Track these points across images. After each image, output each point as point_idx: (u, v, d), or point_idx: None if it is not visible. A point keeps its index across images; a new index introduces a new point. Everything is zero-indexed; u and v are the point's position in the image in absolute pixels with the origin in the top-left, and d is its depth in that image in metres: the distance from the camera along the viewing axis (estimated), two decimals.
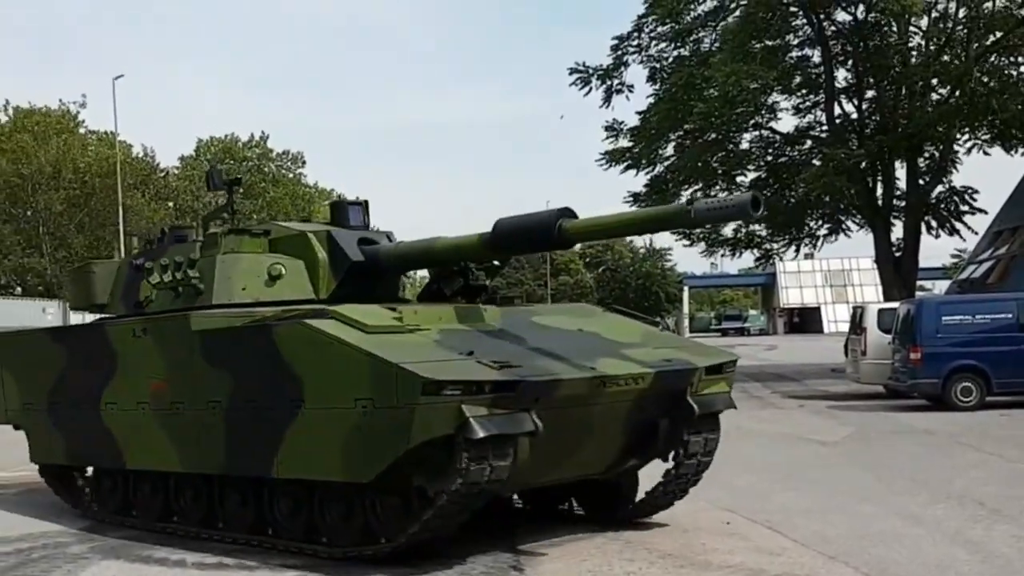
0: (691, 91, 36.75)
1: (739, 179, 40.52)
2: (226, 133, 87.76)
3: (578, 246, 73.09)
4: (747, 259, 47.56)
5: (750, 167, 40.40)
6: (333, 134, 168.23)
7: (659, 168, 40.01)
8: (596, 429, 9.93)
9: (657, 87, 39.97)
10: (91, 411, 12.02)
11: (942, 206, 38.45)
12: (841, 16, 37.20)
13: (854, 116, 38.52)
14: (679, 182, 39.85)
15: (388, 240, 11.86)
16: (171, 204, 75.50)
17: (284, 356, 9.64)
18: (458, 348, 9.32)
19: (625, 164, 39.61)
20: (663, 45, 40.34)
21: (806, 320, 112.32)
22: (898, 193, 38.11)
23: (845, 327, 35.04)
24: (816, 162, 37.53)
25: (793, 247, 42.30)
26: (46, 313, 44.31)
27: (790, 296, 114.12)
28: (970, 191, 38.26)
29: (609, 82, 40.29)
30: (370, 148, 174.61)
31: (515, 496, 11.98)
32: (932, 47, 36.48)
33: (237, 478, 10.65)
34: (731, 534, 10.64)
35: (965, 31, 35.99)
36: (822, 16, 36.90)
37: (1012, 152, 37.24)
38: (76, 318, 45.12)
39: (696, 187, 40.20)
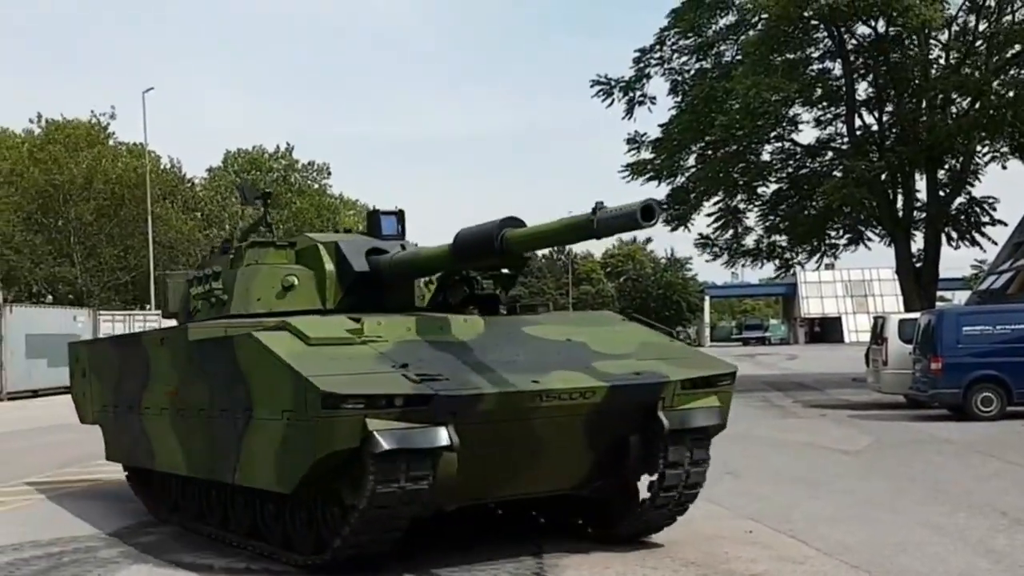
0: (713, 103, 36.70)
1: (760, 190, 40.49)
2: (253, 144, 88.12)
3: (599, 255, 72.91)
4: (768, 269, 47.50)
5: (771, 178, 40.31)
6: (359, 144, 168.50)
7: (680, 179, 39.99)
8: (549, 444, 9.59)
9: (679, 99, 39.98)
10: (136, 414, 12.45)
11: (962, 217, 38.32)
12: (862, 30, 37.14)
13: (874, 128, 38.39)
14: (700, 193, 39.83)
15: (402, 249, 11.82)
16: (199, 214, 75.82)
17: (240, 367, 9.80)
18: (399, 360, 9.23)
19: (647, 176, 39.59)
20: (685, 58, 40.41)
21: (827, 330, 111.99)
22: (918, 204, 37.98)
23: (866, 337, 35.00)
24: (837, 174, 37.45)
25: (814, 257, 42.13)
26: (76, 321, 44.38)
27: (811, 306, 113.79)
28: (990, 200, 38.12)
29: (631, 94, 40.33)
30: (396, 158, 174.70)
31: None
32: (952, 60, 36.37)
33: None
34: (754, 543, 10.61)
35: (985, 44, 35.90)
36: (843, 29, 36.82)
37: None
38: (106, 326, 45.34)
39: (717, 198, 40.21)
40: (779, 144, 39.78)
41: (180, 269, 65.56)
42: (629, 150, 40.32)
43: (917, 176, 37.64)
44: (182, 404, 11.10)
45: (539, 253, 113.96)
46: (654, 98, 40.52)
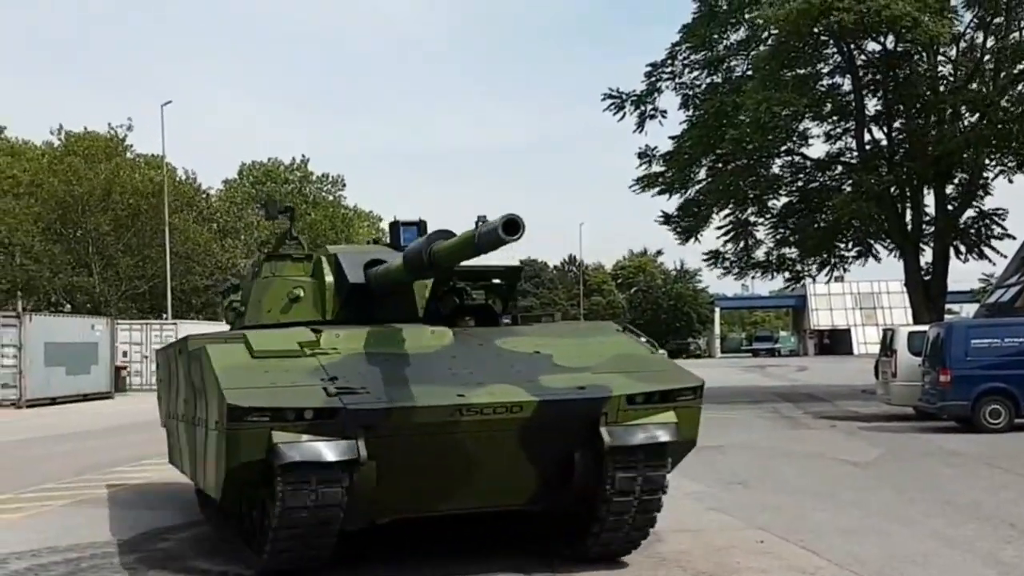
0: (723, 117, 36.73)
1: (770, 203, 40.52)
2: (268, 157, 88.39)
3: (610, 267, 73.29)
4: (778, 281, 47.47)
5: (781, 191, 40.33)
6: (373, 157, 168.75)
7: (691, 192, 40.01)
8: (483, 459, 9.36)
9: (690, 113, 40.02)
10: (174, 421, 12.80)
11: (971, 231, 38.29)
12: (871, 46, 37.15)
13: (884, 143, 38.41)
14: (710, 205, 39.86)
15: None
16: (215, 225, 75.98)
17: (193, 378, 10.22)
18: (335, 373, 9.29)
19: (658, 189, 39.63)
20: (696, 72, 40.46)
21: (836, 341, 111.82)
22: (927, 218, 37.96)
23: (875, 349, 34.93)
24: (846, 188, 37.45)
25: (824, 270, 42.08)
26: (94, 330, 44.50)
27: (820, 318, 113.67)
28: (1000, 212, 38.10)
29: (643, 108, 40.39)
30: (410, 170, 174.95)
31: None
32: (961, 76, 36.37)
33: None
34: (765, 552, 10.58)
35: (993, 60, 35.90)
36: (853, 46, 36.84)
37: None
38: (123, 335, 45.44)
39: (727, 210, 40.23)
40: (789, 158, 39.83)
41: (196, 279, 66.05)
42: (640, 163, 40.44)
43: (926, 190, 37.65)
44: (185, 412, 11.35)
45: (551, 264, 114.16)
46: (665, 112, 40.67)
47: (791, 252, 41.27)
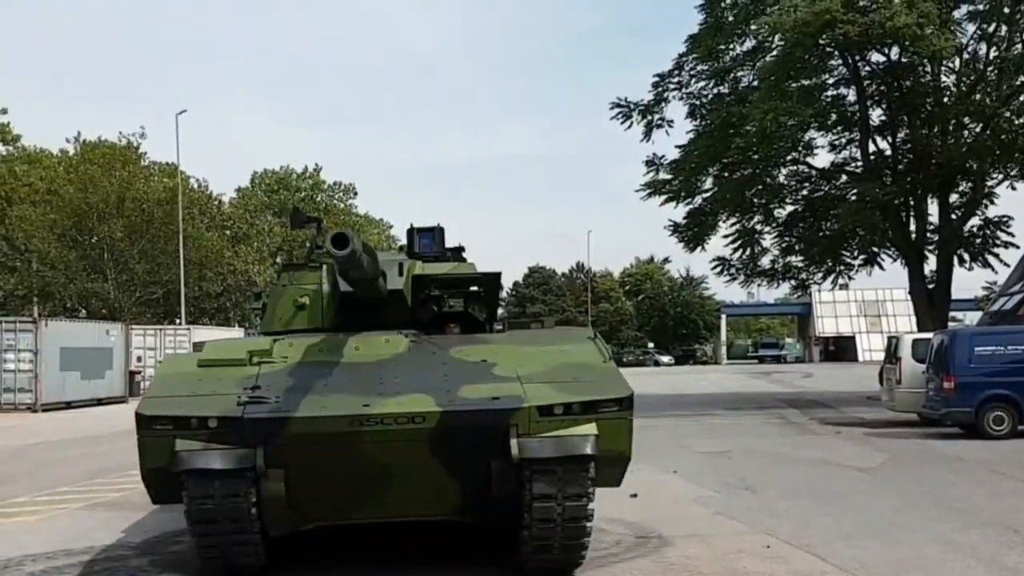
0: (730, 127, 36.70)
1: (776, 211, 40.50)
2: (281, 165, 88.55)
3: (617, 274, 73.33)
4: (784, 288, 47.48)
5: (787, 200, 40.31)
6: (383, 166, 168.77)
7: (698, 200, 39.99)
8: (396, 469, 9.28)
9: (697, 123, 39.98)
10: None
11: (976, 239, 38.25)
12: (875, 57, 37.15)
13: (888, 153, 38.39)
14: (716, 213, 39.85)
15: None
16: (227, 232, 76.11)
17: None
18: (264, 383, 9.46)
19: (665, 196, 39.61)
20: (703, 83, 40.41)
21: (841, 348, 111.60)
22: (931, 227, 37.92)
23: (879, 356, 34.89)
24: (851, 197, 37.41)
25: (829, 278, 42.04)
26: (109, 335, 44.59)
27: (826, 325, 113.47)
28: (1005, 219, 38.06)
29: (650, 117, 40.36)
30: (419, 180, 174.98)
31: None
32: (964, 87, 36.34)
33: None
34: (771, 557, 10.56)
35: (996, 72, 35.88)
36: (857, 57, 36.81)
37: None
38: (137, 340, 45.50)
39: (733, 219, 40.22)
40: (794, 167, 39.79)
41: (209, 285, 66.15)
42: (648, 171, 40.41)
43: (930, 200, 37.63)
44: None
45: (558, 271, 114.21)
46: (672, 121, 40.63)
47: (797, 260, 41.24)
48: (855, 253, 40.64)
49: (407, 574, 10.32)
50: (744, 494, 15.24)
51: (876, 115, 38.61)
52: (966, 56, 36.57)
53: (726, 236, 40.80)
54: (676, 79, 40.28)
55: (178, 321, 58.72)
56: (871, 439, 23.77)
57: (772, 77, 35.71)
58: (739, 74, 39.95)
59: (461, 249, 12.84)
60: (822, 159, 41.15)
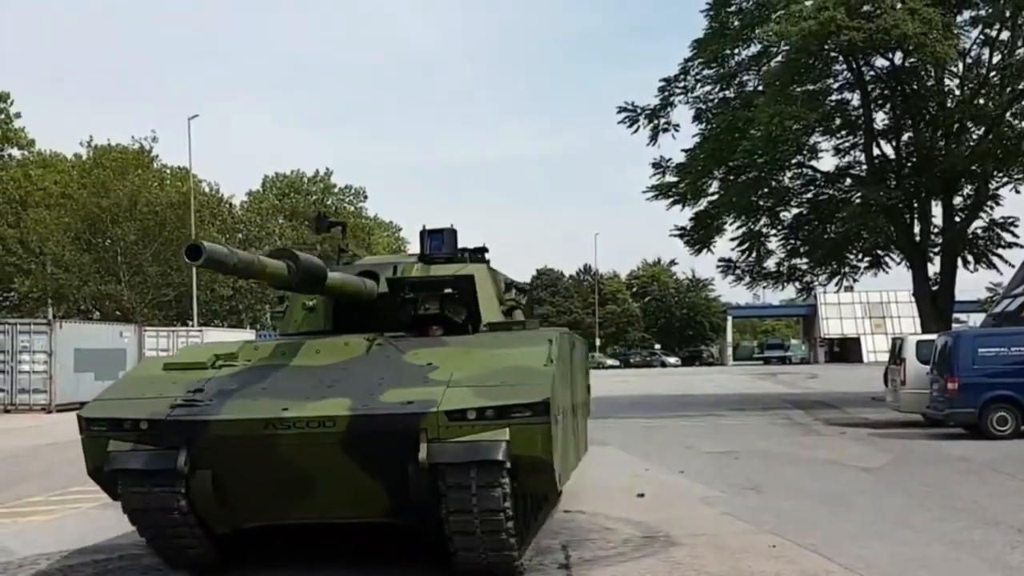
0: (735, 131, 36.68)
1: (782, 214, 40.47)
2: (292, 169, 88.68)
3: (624, 276, 73.27)
4: (789, 290, 47.54)
5: (792, 203, 40.29)
6: (393, 169, 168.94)
7: (703, 203, 39.96)
8: (317, 472, 9.29)
9: (703, 126, 39.94)
10: None
11: (980, 241, 38.22)
12: (880, 62, 37.06)
13: (892, 157, 38.32)
14: (721, 216, 39.83)
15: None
16: (239, 235, 76.18)
17: None
18: (212, 386, 9.68)
19: (672, 199, 39.60)
20: (708, 87, 40.38)
21: (846, 350, 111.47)
22: (935, 230, 37.88)
23: (884, 357, 34.80)
24: (856, 200, 37.36)
25: (834, 280, 42.01)
26: (122, 337, 44.67)
27: (831, 327, 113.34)
28: (1010, 220, 38.06)
29: (656, 121, 40.34)
30: (428, 182, 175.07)
31: None
32: (967, 91, 36.30)
33: None
34: (777, 557, 10.55)
35: (999, 76, 35.83)
36: (861, 62, 36.76)
37: None
38: (150, 342, 45.57)
39: (739, 222, 40.20)
40: (799, 171, 39.75)
41: (220, 287, 66.14)
42: (654, 174, 40.40)
43: (934, 203, 37.57)
44: None
45: (566, 273, 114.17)
46: (678, 125, 40.57)
47: (802, 262, 41.21)
48: (860, 256, 40.62)
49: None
50: (750, 494, 15.23)
51: (880, 119, 38.60)
52: (969, 61, 36.56)
53: (733, 239, 40.83)
54: (682, 84, 40.24)
55: (190, 323, 58.77)
56: (876, 439, 23.74)
57: (777, 82, 35.71)
58: (744, 78, 39.91)
59: (482, 250, 12.84)
60: (827, 163, 41.22)
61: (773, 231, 40.90)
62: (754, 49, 38.69)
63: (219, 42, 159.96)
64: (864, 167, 38.47)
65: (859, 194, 37.42)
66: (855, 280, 42.43)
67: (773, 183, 39.52)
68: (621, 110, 40.47)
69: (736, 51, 39.24)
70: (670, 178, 40.00)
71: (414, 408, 8.96)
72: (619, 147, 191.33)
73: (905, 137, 38.16)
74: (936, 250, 37.84)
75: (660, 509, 13.73)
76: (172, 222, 62.41)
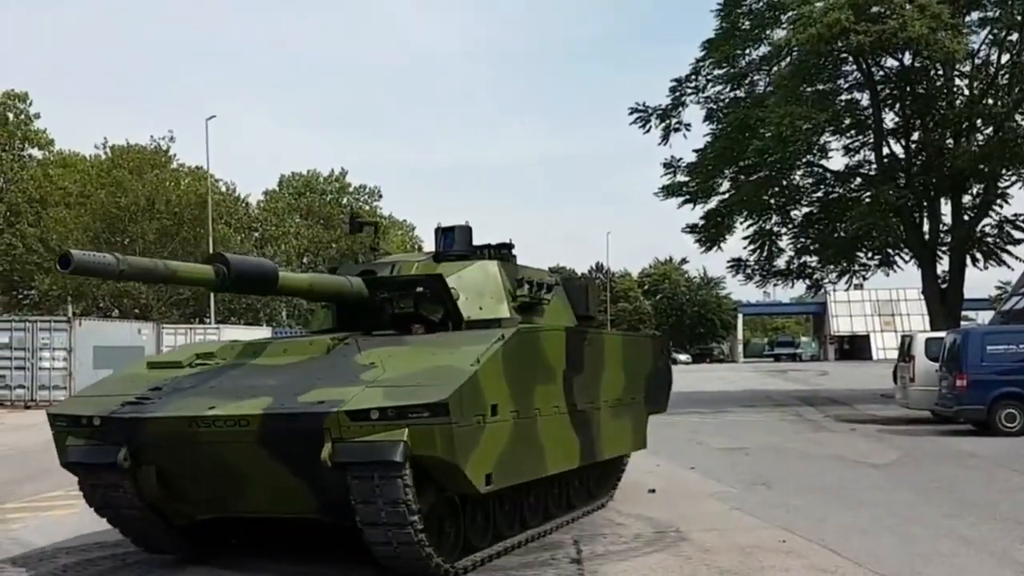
0: (746, 130, 36.62)
1: (792, 213, 40.41)
2: (307, 168, 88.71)
3: (635, 274, 73.22)
4: (799, 288, 47.59)
5: (802, 202, 40.22)
6: (408, 169, 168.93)
7: (714, 202, 39.92)
8: (244, 469, 9.37)
9: (714, 126, 39.89)
10: None
11: (989, 239, 38.13)
12: (889, 62, 37.01)
13: (901, 156, 38.24)
14: (732, 215, 39.77)
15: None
16: (256, 234, 76.35)
17: None
18: (173, 385, 10.03)
19: (683, 198, 39.56)
20: (719, 87, 40.36)
21: (856, 347, 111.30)
22: (944, 229, 37.77)
23: (893, 354, 34.81)
24: (866, 199, 37.28)
25: (844, 278, 41.92)
26: (140, 334, 44.73)
27: (840, 324, 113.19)
28: (1020, 217, 37.93)
29: (667, 121, 40.32)
30: (442, 182, 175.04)
31: None
32: (976, 91, 36.21)
33: None
34: (787, 552, 10.53)
35: (1007, 76, 35.73)
36: (871, 62, 36.68)
37: None
38: (168, 339, 45.67)
39: (750, 221, 40.15)
40: (810, 170, 39.67)
41: None
42: (665, 173, 40.38)
43: (943, 201, 37.48)
44: None
45: (579, 271, 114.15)
46: (689, 125, 40.56)
47: (812, 261, 41.14)
48: (870, 254, 40.52)
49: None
50: (760, 489, 15.22)
51: (890, 118, 38.59)
52: (978, 61, 36.46)
53: (744, 237, 40.79)
54: (693, 84, 40.24)
55: (207, 320, 58.90)
56: (885, 436, 23.71)
57: (787, 83, 35.64)
58: (755, 78, 39.85)
59: (504, 246, 12.77)
60: (836, 162, 41.07)
61: (784, 229, 40.86)
62: (764, 50, 38.66)
63: (231, 44, 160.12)
64: (874, 166, 38.43)
65: (869, 193, 37.34)
66: (865, 278, 42.41)
67: (784, 182, 39.46)
68: (633, 111, 40.50)
69: (747, 51, 39.20)
70: (681, 177, 39.99)
71: (321, 408, 8.92)
72: (624, 147, 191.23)
73: (914, 136, 38.09)
74: (945, 248, 37.75)
75: (671, 504, 13.72)
76: (190, 221, 62.54)
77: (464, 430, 8.94)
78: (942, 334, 26.88)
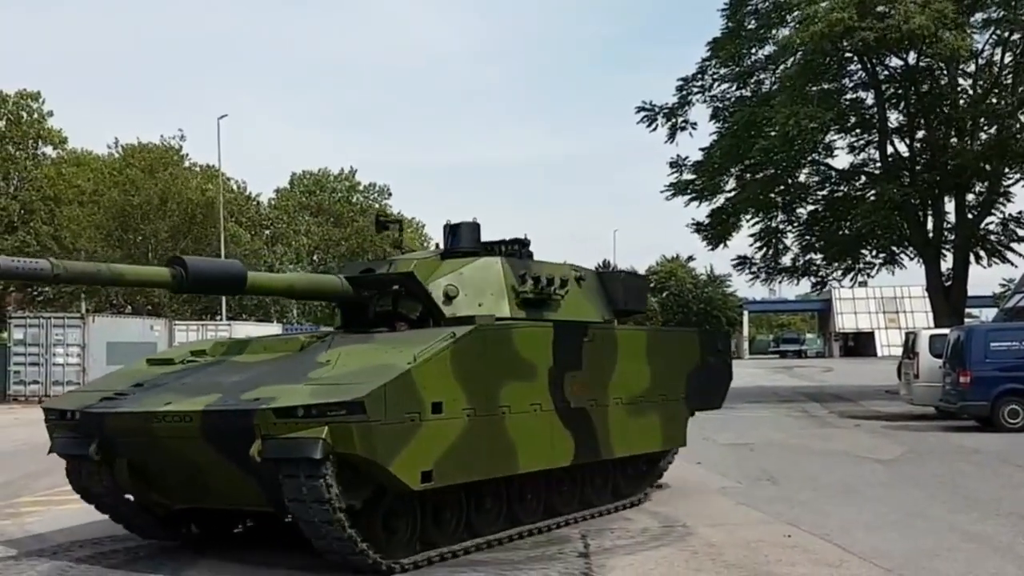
0: (752, 128, 36.59)
1: (798, 211, 40.38)
2: (318, 167, 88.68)
3: (642, 272, 73.11)
4: (804, 285, 47.65)
5: (808, 200, 40.20)
6: (416, 168, 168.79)
7: (720, 200, 39.89)
8: (200, 463, 9.53)
9: (720, 125, 39.88)
10: None
11: (992, 237, 38.11)
12: (894, 61, 36.98)
13: (905, 154, 38.21)
14: (738, 213, 39.74)
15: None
16: (267, 232, 76.36)
17: None
18: (155, 380, 10.41)
19: (689, 196, 39.54)
20: (725, 86, 40.35)
21: (860, 344, 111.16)
22: (947, 226, 37.75)
23: (898, 351, 34.73)
24: (870, 197, 37.25)
25: (848, 275, 41.88)
26: (153, 330, 44.79)
27: (845, 321, 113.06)
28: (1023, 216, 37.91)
29: (674, 120, 40.32)
30: (450, 181, 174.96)
31: None
32: (979, 90, 36.16)
33: None
34: (793, 547, 10.53)
35: (1011, 76, 35.68)
36: (875, 61, 36.63)
37: None
38: (180, 335, 45.72)
39: (756, 218, 40.11)
40: (815, 168, 39.65)
41: None
42: (672, 172, 40.37)
43: (946, 199, 37.43)
44: None
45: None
46: (695, 124, 40.59)
47: (817, 258, 41.11)
48: (874, 252, 40.49)
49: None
50: (766, 485, 15.21)
51: (894, 117, 38.53)
52: (981, 61, 36.44)
53: (750, 235, 40.76)
54: (699, 83, 40.24)
55: (219, 317, 58.92)
56: (890, 432, 23.69)
57: (793, 82, 35.59)
58: (761, 77, 39.82)
59: (516, 242, 12.78)
60: (841, 160, 41.02)
61: (789, 227, 40.85)
62: (770, 49, 38.62)
63: (240, 45, 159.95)
64: (878, 165, 38.40)
65: (873, 191, 37.33)
66: (870, 276, 42.40)
67: (789, 180, 39.47)
68: (639, 109, 40.55)
69: (752, 51, 39.17)
70: (687, 176, 39.98)
71: (255, 405, 9.03)
72: (630, 146, 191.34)
73: (919, 135, 38.05)
74: (949, 246, 37.73)
75: (678, 499, 13.75)
76: (201, 220, 62.57)
77: (387, 428, 8.96)
78: (946, 331, 26.86)
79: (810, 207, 40.43)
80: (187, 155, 68.47)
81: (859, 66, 37.37)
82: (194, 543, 11.23)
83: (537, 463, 10.92)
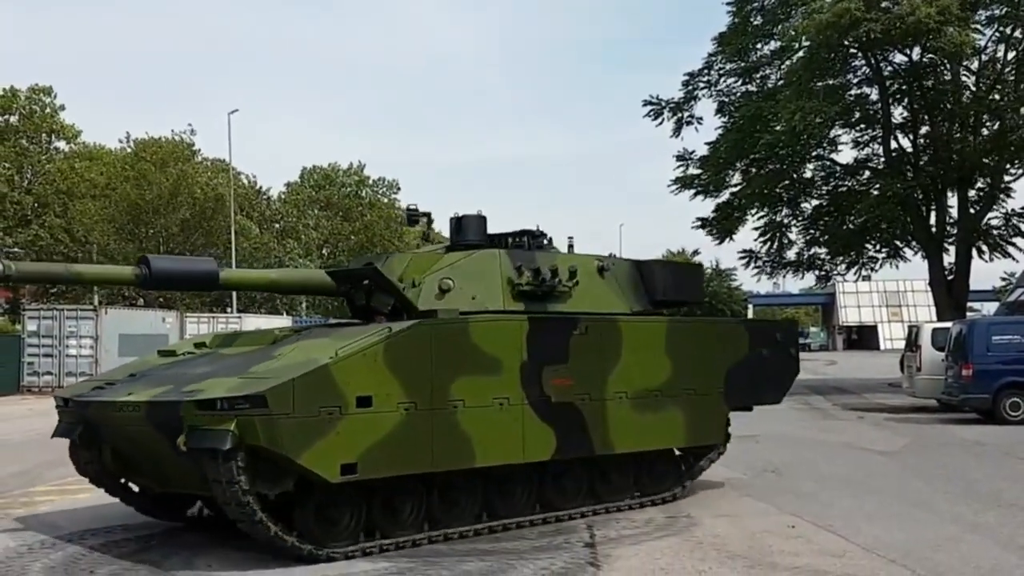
0: (757, 123, 36.54)
1: (803, 205, 40.33)
2: (328, 162, 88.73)
3: None
4: (808, 279, 47.60)
5: (812, 194, 40.15)
6: (425, 164, 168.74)
7: (726, 195, 39.85)
8: (160, 451, 9.71)
9: (725, 119, 39.82)
10: None
11: (994, 231, 38.04)
12: (898, 57, 36.88)
13: (909, 149, 38.14)
14: (744, 207, 39.70)
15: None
16: (276, 225, 76.40)
17: None
18: (146, 371, 10.78)
19: (695, 191, 39.50)
20: (731, 81, 40.28)
21: (864, 337, 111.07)
22: (950, 221, 37.69)
23: (900, 344, 34.70)
24: (874, 192, 37.18)
25: (852, 269, 41.80)
26: (164, 322, 44.83)
27: (849, 315, 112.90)
28: None
29: (680, 114, 40.30)
30: (458, 177, 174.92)
31: None
32: (982, 86, 36.09)
33: None
34: (796, 537, 10.54)
35: (1013, 72, 35.61)
36: (880, 57, 36.55)
37: None
38: (191, 327, 45.78)
39: (762, 213, 40.06)
40: (819, 163, 39.59)
41: None
42: (678, 166, 40.32)
43: (949, 194, 37.37)
44: None
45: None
46: (701, 118, 40.57)
47: (821, 252, 41.08)
48: (878, 246, 40.44)
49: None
50: (770, 476, 15.21)
51: (898, 113, 38.41)
52: (984, 58, 36.35)
53: (755, 229, 40.70)
54: (706, 78, 40.21)
55: (229, 310, 58.97)
56: (892, 424, 23.68)
57: (796, 79, 35.52)
58: (766, 72, 39.74)
59: (526, 233, 12.69)
60: (845, 155, 41.00)
61: (794, 221, 40.80)
62: (775, 44, 38.55)
63: (251, 43, 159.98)
64: (882, 159, 38.32)
65: (877, 186, 37.25)
66: (873, 270, 42.28)
67: (794, 175, 39.42)
68: (646, 103, 40.49)
69: (758, 46, 39.11)
70: (693, 170, 39.94)
71: (185, 397, 9.27)
72: (631, 146, 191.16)
73: (922, 131, 37.98)
74: (952, 240, 37.68)
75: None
76: (212, 214, 62.61)
77: (296, 421, 9.05)
78: (948, 324, 26.83)
79: (814, 202, 40.36)
80: (199, 150, 68.56)
81: (864, 62, 37.27)
82: (206, 527, 11.29)
83: (500, 457, 10.64)
